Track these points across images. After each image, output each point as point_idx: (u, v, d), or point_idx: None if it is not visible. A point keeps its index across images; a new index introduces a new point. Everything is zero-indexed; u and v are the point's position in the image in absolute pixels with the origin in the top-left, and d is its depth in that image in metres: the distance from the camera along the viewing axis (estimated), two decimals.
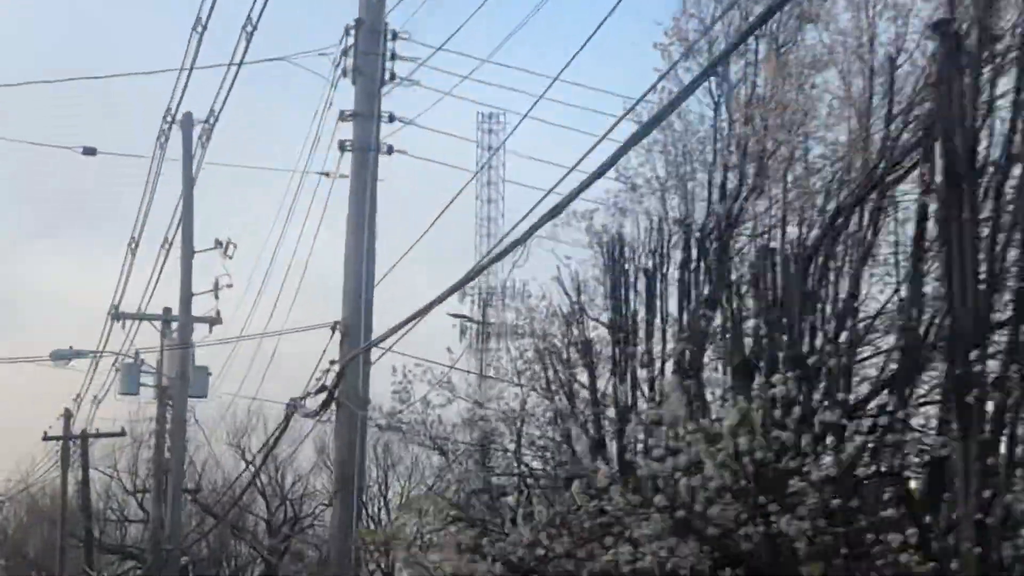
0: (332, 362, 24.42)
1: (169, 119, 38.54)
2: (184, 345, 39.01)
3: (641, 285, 20.64)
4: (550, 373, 21.10)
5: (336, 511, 25.73)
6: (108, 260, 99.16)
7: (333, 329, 25.24)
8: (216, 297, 39.34)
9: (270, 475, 72.89)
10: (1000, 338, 15.75)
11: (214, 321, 40.57)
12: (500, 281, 26.05)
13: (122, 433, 56.49)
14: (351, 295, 25.19)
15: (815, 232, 18.43)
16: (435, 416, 22.30)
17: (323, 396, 24.65)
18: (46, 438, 59.27)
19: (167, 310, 42.38)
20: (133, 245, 41.72)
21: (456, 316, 58.31)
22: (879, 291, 17.96)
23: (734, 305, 19.18)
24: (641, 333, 20.37)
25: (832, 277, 18.05)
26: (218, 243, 38.91)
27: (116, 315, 42.36)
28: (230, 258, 38.96)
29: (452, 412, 22.54)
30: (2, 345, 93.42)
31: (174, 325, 41.39)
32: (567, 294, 21.30)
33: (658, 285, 20.75)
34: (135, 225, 41.40)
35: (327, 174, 26.34)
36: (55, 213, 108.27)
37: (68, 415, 58.01)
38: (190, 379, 40.40)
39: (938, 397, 16.75)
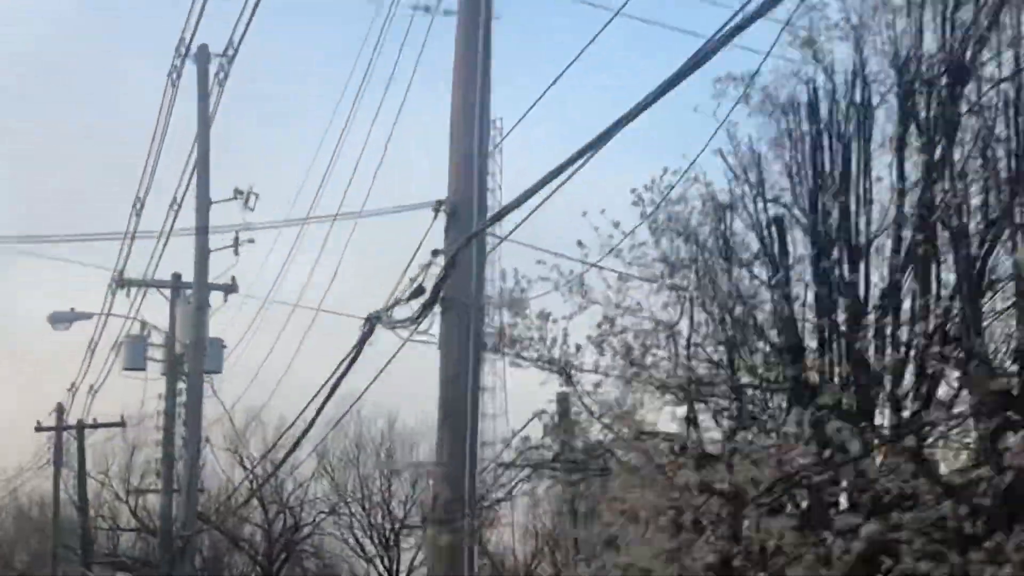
0: (435, 252, 16.97)
1: (183, 51, 30.99)
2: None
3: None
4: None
5: (443, 443, 18.26)
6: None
7: (436, 210, 17.74)
8: (236, 253, 31.49)
9: (270, 483, 66.04)
10: None
11: (229, 288, 33.02)
12: None
13: (122, 423, 48.31)
14: (461, 163, 17.65)
15: None
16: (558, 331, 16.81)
17: (412, 311, 17.09)
18: (39, 428, 51.21)
19: (177, 276, 34.47)
20: (138, 206, 33.99)
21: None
22: None
23: None
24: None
25: None
26: (238, 193, 31.10)
27: (120, 282, 34.52)
28: (251, 210, 31.25)
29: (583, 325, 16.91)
30: None
31: (186, 295, 33.49)
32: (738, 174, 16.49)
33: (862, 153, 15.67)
34: (140, 184, 33.79)
35: (426, 9, 18.25)
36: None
37: (60, 409, 49.93)
38: (205, 347, 32.33)
39: None
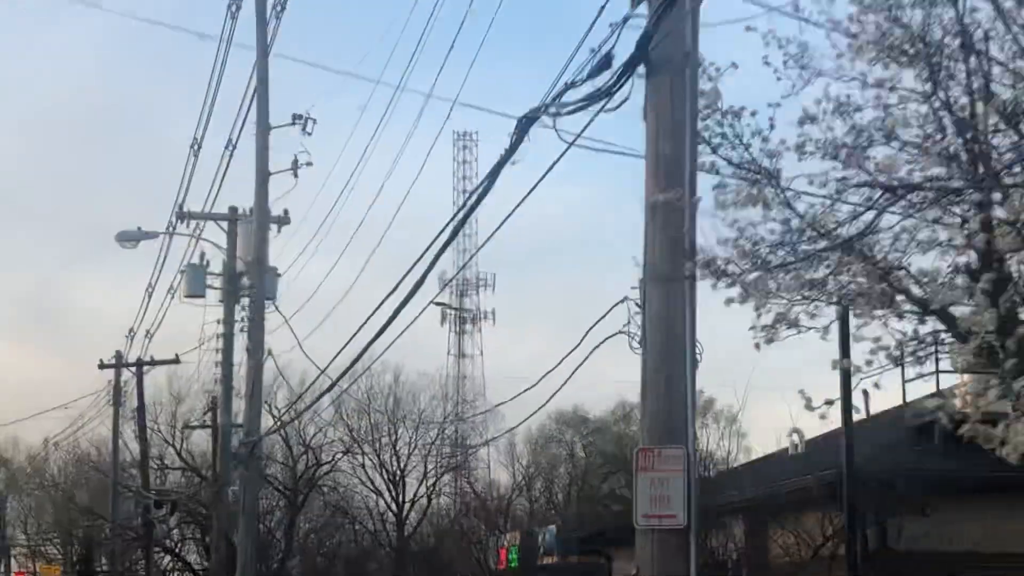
0: None
1: None
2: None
3: None
4: None
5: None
6: None
7: None
8: (295, 175, 30.71)
9: (294, 426, 66.40)
10: None
11: (282, 221, 32.49)
12: None
13: (176, 360, 48.04)
14: None
15: None
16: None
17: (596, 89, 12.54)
18: (102, 366, 50.61)
19: (234, 209, 34.34)
20: (196, 147, 33.73)
21: None
22: None
23: None
24: None
25: None
26: (296, 118, 30.65)
27: (180, 214, 34.40)
28: (309, 135, 30.79)
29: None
30: None
31: (246, 214, 32.86)
32: None
33: None
34: (198, 122, 33.38)
35: None
36: None
37: (119, 355, 50.00)
38: (267, 263, 31.75)
39: None
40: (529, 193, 14.77)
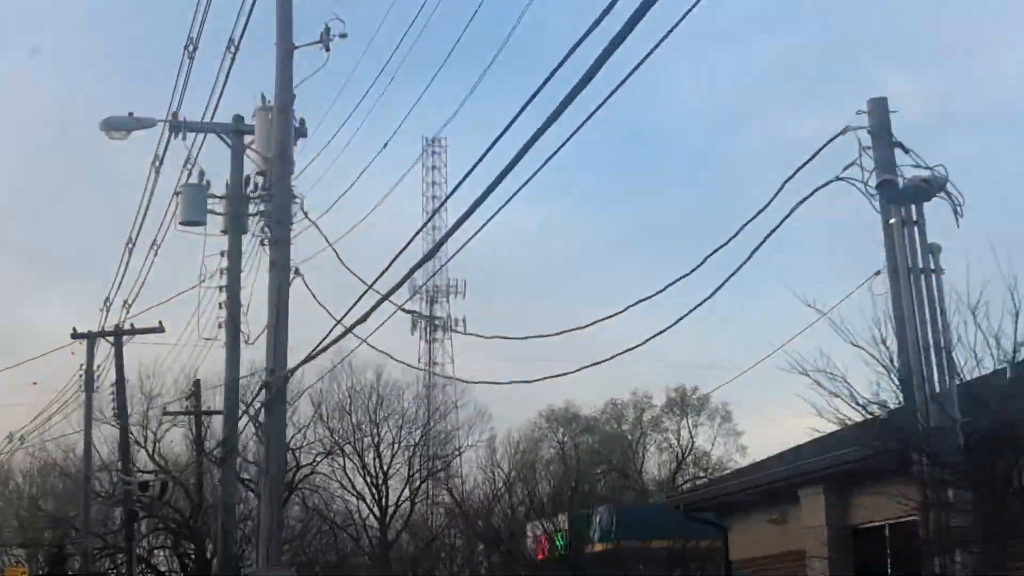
0: None
1: None
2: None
3: None
4: None
5: None
6: None
7: None
8: (326, 48, 24.04)
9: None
10: None
11: (299, 132, 25.46)
12: None
13: (160, 328, 40.71)
14: None
15: None
16: None
17: None
18: (76, 335, 43.31)
19: (239, 118, 27.11)
20: (191, 48, 26.33)
21: None
22: None
23: None
24: None
25: None
26: None
27: (175, 124, 26.96)
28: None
29: None
30: None
31: (266, 101, 25.41)
32: None
33: None
34: (192, 23, 25.93)
35: None
36: None
37: (92, 339, 43.52)
38: (292, 159, 25.15)
39: None
40: (504, 205, 14.68)
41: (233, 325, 28.14)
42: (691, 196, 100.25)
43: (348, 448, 61.09)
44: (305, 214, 26.13)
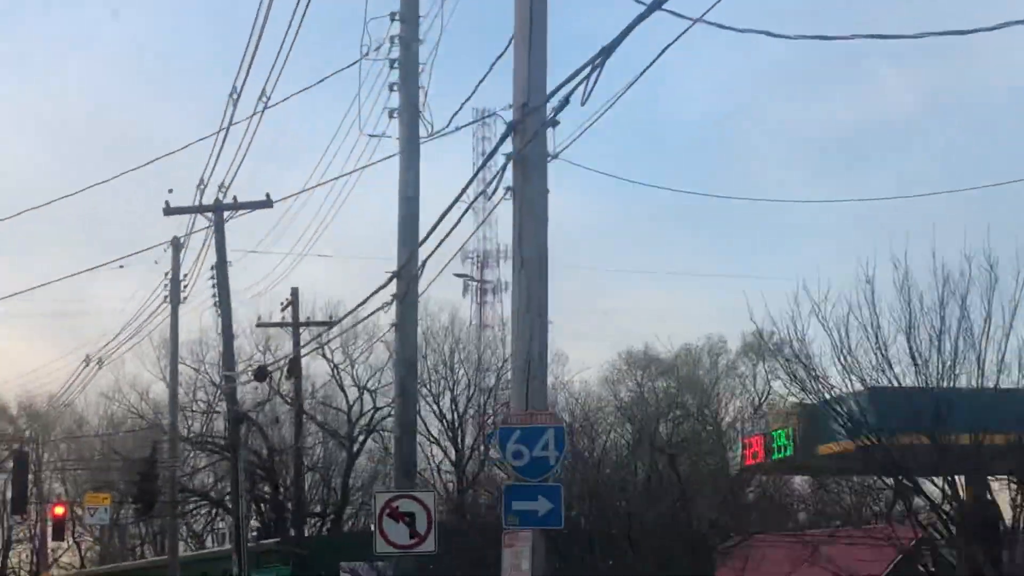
0: None
1: None
2: None
3: None
4: None
5: None
6: None
7: None
8: None
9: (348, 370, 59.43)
10: None
11: None
12: None
13: (267, 202, 35.35)
14: None
15: None
16: None
17: None
18: (169, 211, 36.61)
19: None
20: None
21: None
22: None
23: None
24: None
25: None
26: None
27: None
28: None
29: None
30: None
31: None
32: None
33: None
34: None
35: None
36: None
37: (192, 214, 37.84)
38: None
39: None
40: None
41: (410, 107, 22.61)
42: None
43: (423, 391, 58.97)
44: None
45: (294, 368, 36.11)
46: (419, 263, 20.57)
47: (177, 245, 43.34)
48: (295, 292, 45.39)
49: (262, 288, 44.83)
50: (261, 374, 34.47)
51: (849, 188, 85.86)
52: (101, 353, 46.88)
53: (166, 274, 44.15)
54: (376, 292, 22.21)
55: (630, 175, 72.21)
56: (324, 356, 56.48)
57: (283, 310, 45.47)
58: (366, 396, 59.03)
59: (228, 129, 27.55)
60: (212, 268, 36.92)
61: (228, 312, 36.78)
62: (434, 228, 18.50)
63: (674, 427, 60.75)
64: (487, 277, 77.60)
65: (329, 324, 43.64)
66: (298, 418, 47.33)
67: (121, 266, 37.72)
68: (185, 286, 44.13)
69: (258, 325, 48.92)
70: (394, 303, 22.34)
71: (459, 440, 59.73)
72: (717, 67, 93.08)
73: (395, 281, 22.10)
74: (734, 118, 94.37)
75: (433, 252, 19.60)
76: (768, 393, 63.83)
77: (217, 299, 36.94)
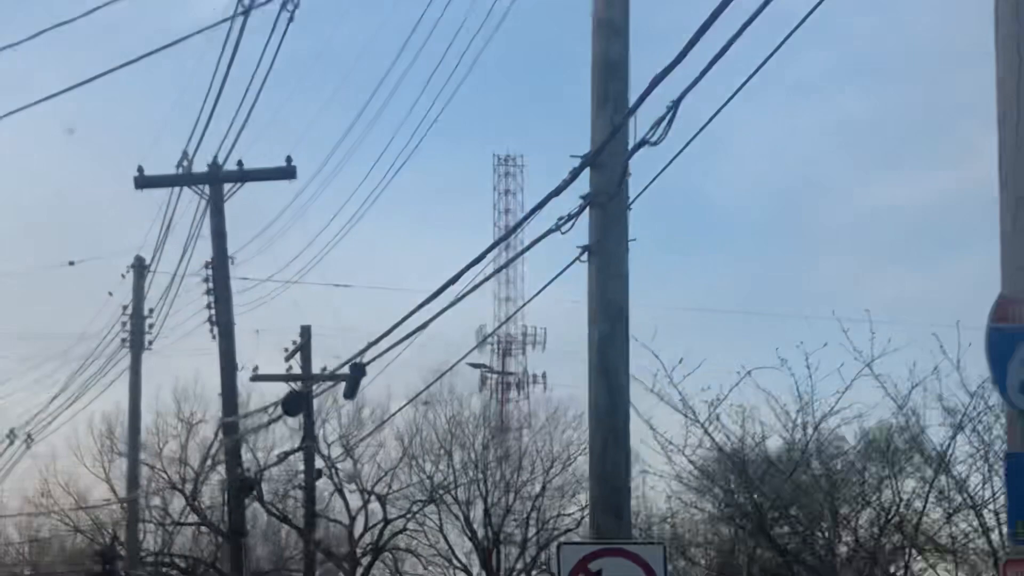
0: None
1: None
2: None
3: None
4: None
5: None
6: None
7: None
8: None
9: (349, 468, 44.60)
10: None
11: None
12: None
13: (288, 170, 23.93)
14: None
15: None
16: None
17: None
18: (142, 182, 23.77)
19: None
20: None
21: None
22: None
23: None
24: None
25: None
26: None
27: None
28: None
29: None
30: None
31: None
32: None
33: None
34: None
35: None
36: None
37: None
38: None
39: None
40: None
41: None
42: None
43: (448, 498, 44.29)
44: None
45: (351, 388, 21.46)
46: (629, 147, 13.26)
47: (141, 269, 28.74)
48: (307, 331, 30.34)
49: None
50: (293, 404, 20.27)
51: None
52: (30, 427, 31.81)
53: (124, 308, 29.53)
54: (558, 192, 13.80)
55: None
56: (319, 452, 41.63)
57: (288, 358, 30.26)
58: (373, 504, 44.35)
59: None
60: (206, 267, 22.47)
61: (230, 331, 22.86)
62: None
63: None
64: (509, 368, 61.97)
65: (352, 376, 27.81)
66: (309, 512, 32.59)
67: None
68: (150, 325, 29.46)
69: (253, 379, 31.98)
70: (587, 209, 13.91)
71: (496, 565, 44.92)
72: None
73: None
74: None
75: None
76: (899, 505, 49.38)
77: (212, 311, 22.46)
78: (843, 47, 73.85)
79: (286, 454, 30.92)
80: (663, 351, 25.01)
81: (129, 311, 30.45)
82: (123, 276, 30.01)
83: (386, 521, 43.10)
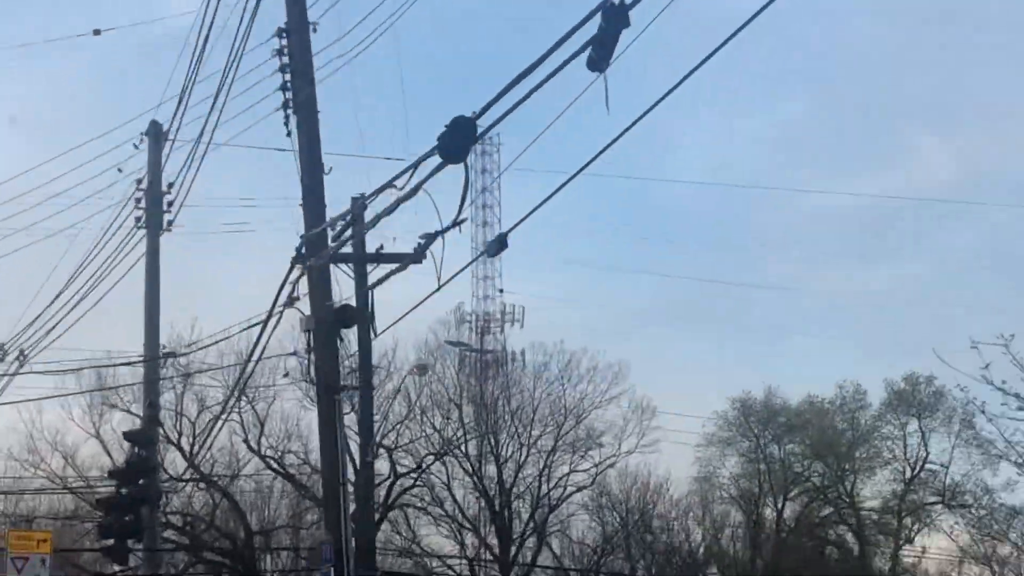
0: None
1: None
2: None
3: None
4: None
5: None
6: None
7: None
8: None
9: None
10: None
11: None
12: None
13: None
14: None
15: None
16: None
17: None
18: None
19: None
20: None
21: None
22: None
23: None
24: None
25: None
26: None
27: None
28: None
29: None
30: None
31: None
32: None
33: None
34: None
35: None
36: None
37: None
38: None
39: None
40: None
41: None
42: None
43: (457, 452, 40.68)
44: None
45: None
46: None
47: (158, 134, 25.06)
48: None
49: None
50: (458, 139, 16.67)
51: None
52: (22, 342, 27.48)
53: (139, 182, 25.71)
54: None
55: None
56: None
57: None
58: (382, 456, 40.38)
59: None
60: (278, 34, 18.78)
61: (313, 112, 18.42)
62: None
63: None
64: (488, 346, 57.96)
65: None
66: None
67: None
68: (170, 204, 25.66)
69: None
70: None
71: (507, 521, 41.16)
72: None
73: None
74: None
75: None
76: (923, 463, 46.27)
77: (287, 94, 18.66)
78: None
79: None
80: None
81: (143, 185, 26.43)
82: (135, 146, 26.02)
83: (395, 475, 39.23)
